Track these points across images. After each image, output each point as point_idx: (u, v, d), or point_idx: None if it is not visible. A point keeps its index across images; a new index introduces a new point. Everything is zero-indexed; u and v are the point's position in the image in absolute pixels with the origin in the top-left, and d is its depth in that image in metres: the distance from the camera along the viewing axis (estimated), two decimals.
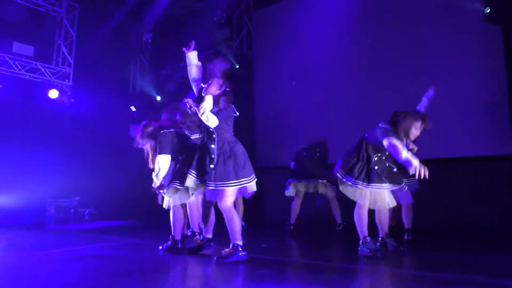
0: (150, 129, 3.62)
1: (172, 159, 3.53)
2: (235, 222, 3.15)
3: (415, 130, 3.23)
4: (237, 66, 7.92)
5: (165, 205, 3.64)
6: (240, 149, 3.20)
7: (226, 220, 3.18)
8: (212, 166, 3.11)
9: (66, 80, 8.68)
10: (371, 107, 5.98)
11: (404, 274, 2.84)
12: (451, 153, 5.34)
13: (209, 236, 3.62)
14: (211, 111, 3.12)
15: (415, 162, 2.93)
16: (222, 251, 3.18)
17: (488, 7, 5.08)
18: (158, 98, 9.43)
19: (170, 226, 3.64)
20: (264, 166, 7.04)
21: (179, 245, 3.63)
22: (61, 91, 8.44)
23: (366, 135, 3.45)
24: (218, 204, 3.17)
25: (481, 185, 5.20)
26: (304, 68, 7.05)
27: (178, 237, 3.63)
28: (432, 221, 4.66)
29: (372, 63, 6.26)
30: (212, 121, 3.11)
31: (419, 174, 2.87)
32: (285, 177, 5.65)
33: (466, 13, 5.38)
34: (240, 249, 3.13)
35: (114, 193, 9.00)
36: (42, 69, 8.34)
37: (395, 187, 3.40)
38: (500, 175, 5.13)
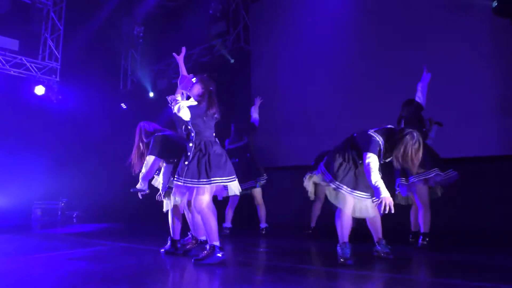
0: (146, 130, 3.86)
1: (168, 163, 3.72)
2: (211, 223, 3.23)
3: (413, 158, 3.02)
4: (232, 61, 7.92)
5: (164, 209, 3.85)
6: (217, 149, 3.30)
7: (202, 221, 3.28)
8: (186, 163, 3.25)
9: (53, 76, 8.64)
10: (374, 104, 5.98)
11: (407, 279, 2.84)
12: (453, 153, 5.35)
13: (203, 238, 3.68)
14: (189, 105, 3.27)
15: (384, 193, 2.89)
16: (200, 253, 3.28)
17: (495, 1, 5.10)
18: (151, 94, 9.40)
19: (169, 228, 3.84)
20: (262, 166, 7.02)
21: (178, 245, 3.81)
22: (47, 87, 8.40)
23: (355, 134, 3.33)
24: (192, 203, 3.28)
25: (483, 185, 5.22)
26: (304, 62, 7.06)
27: (176, 237, 3.83)
28: (434, 222, 4.66)
29: (374, 58, 6.26)
30: (183, 113, 3.26)
31: (384, 207, 2.86)
32: (285, 178, 5.65)
33: (474, 9, 5.40)
34: (218, 249, 3.20)
35: (103, 195, 8.98)
36: (28, 64, 8.30)
37: (371, 197, 3.23)
38: (502, 175, 5.16)
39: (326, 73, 6.75)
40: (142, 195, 3.77)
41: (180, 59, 3.56)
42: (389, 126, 3.25)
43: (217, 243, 3.21)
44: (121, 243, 4.67)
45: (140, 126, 3.92)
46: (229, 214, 5.45)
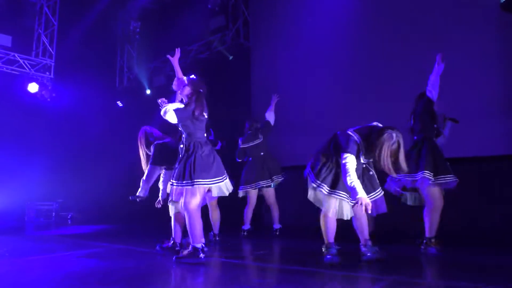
0: (148, 138, 4.08)
1: (168, 169, 3.94)
2: (196, 224, 3.37)
3: (389, 158, 2.96)
4: (231, 58, 7.93)
5: (171, 213, 3.99)
6: (205, 151, 3.41)
7: (187, 220, 3.40)
8: (177, 165, 3.43)
9: (47, 73, 8.66)
10: (377, 102, 6.00)
11: (410, 282, 2.87)
12: (456, 153, 5.36)
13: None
14: (175, 109, 3.37)
15: (361, 194, 2.91)
16: (183, 252, 3.44)
17: None
18: (148, 91, 9.43)
19: (171, 230, 4.03)
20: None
21: (177, 247, 3.96)
22: (41, 85, 8.42)
23: (339, 132, 3.29)
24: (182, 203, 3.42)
25: (488, 186, 5.24)
26: (305, 59, 7.07)
27: (178, 240, 3.98)
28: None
29: (377, 55, 6.27)
30: (169, 117, 3.35)
31: (360, 208, 2.90)
32: (286, 178, 5.67)
33: (480, 4, 5.40)
34: (199, 251, 3.35)
35: (99, 196, 9.01)
36: (21, 61, 8.32)
37: (355, 202, 3.12)
38: (502, 175, 5.18)
39: (328, 71, 6.76)
40: (141, 200, 3.97)
41: (174, 61, 3.66)
42: (374, 123, 3.20)
43: (199, 245, 3.36)
44: (118, 245, 4.70)
45: (142, 132, 4.12)
46: (248, 216, 5.44)
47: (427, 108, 3.94)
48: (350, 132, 3.16)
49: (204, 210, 4.89)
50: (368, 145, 3.08)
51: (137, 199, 3.95)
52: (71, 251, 4.29)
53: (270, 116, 5.63)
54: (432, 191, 3.74)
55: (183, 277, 3.14)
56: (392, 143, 2.97)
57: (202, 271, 3.14)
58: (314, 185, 3.23)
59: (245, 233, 5.37)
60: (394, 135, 2.98)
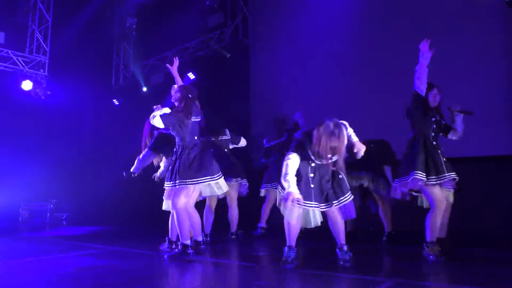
0: (152, 128, 4.29)
1: (167, 157, 4.18)
2: (184, 223, 3.60)
3: (327, 149, 2.98)
4: (228, 56, 7.93)
5: (164, 207, 4.12)
6: (191, 153, 3.62)
7: (176, 219, 3.63)
8: (170, 168, 3.72)
9: (41, 70, 8.66)
10: (377, 99, 6.02)
11: (412, 284, 2.88)
12: (459, 153, 5.37)
13: (199, 238, 3.89)
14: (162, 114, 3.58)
15: (291, 190, 2.95)
16: (174, 249, 3.72)
17: None
18: (144, 89, 9.42)
19: (168, 228, 4.10)
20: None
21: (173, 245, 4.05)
22: (35, 83, 8.42)
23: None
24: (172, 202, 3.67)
25: (490, 186, 5.25)
26: (305, 56, 7.07)
27: (173, 238, 4.07)
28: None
29: (378, 52, 6.28)
30: (155, 122, 3.59)
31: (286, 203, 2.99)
32: None
33: (485, 1, 5.42)
34: (187, 247, 3.59)
35: (95, 196, 9.02)
36: (14, 58, 8.32)
37: (325, 207, 3.21)
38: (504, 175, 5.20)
39: (328, 69, 6.77)
40: (134, 176, 4.27)
41: (173, 70, 3.92)
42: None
43: (188, 242, 3.61)
44: (114, 247, 4.70)
45: (148, 123, 4.27)
46: (266, 213, 5.45)
47: (418, 103, 3.75)
48: (300, 133, 3.29)
49: (218, 210, 5.00)
50: (312, 141, 3.08)
51: (132, 176, 4.24)
52: (67, 253, 4.29)
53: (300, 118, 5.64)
54: (431, 191, 3.57)
55: (181, 279, 3.15)
56: (330, 133, 2.96)
57: (202, 273, 3.15)
58: (282, 193, 3.25)
59: (263, 231, 5.40)
60: (331, 125, 2.98)
